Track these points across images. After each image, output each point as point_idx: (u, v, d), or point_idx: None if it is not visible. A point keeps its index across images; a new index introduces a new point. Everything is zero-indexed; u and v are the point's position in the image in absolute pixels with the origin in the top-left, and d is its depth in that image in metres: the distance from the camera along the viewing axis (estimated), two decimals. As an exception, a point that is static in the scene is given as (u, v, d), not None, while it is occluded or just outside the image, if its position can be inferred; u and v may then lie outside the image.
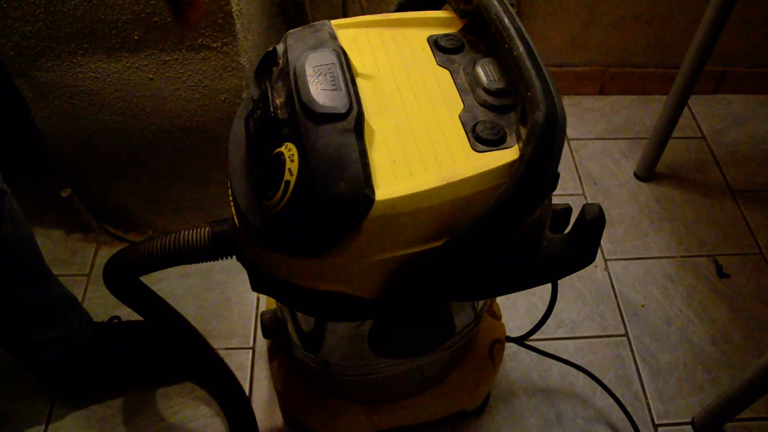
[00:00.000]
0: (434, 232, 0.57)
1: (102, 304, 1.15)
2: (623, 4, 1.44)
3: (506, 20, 0.59)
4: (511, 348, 1.12)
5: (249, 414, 0.93)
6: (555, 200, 0.65)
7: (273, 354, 0.97)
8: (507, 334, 1.01)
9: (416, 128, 0.59)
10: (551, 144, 0.53)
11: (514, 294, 0.82)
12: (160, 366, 1.07)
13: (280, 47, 0.65)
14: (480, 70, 0.64)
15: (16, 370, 1.02)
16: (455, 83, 0.64)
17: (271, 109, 0.58)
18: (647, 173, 1.43)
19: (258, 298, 1.20)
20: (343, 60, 0.61)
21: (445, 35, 0.68)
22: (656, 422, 1.06)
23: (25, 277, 0.88)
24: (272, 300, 0.98)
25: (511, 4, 0.62)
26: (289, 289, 0.62)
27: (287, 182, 0.54)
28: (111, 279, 0.73)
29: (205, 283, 1.22)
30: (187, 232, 0.68)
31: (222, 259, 0.69)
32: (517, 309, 1.20)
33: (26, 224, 0.86)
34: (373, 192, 0.53)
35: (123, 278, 0.72)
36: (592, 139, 1.53)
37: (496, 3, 0.61)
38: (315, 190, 0.52)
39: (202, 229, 0.68)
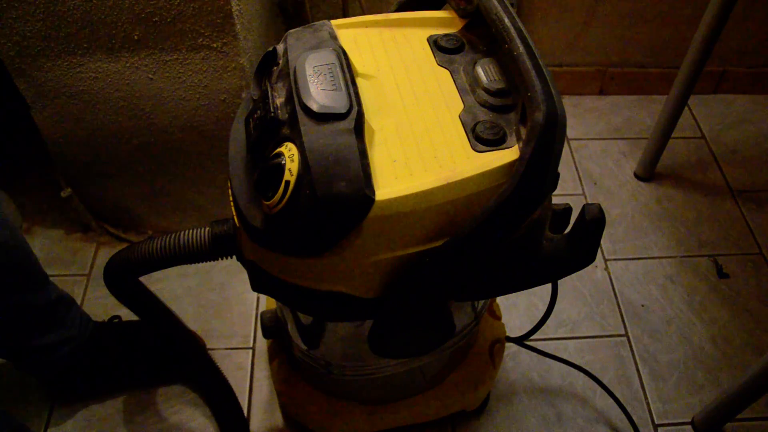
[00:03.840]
0: (434, 232, 0.57)
1: (102, 304, 1.15)
2: (623, 4, 1.44)
3: (506, 20, 0.59)
4: (511, 348, 1.12)
5: (241, 421, 0.94)
6: (555, 200, 0.65)
7: (273, 354, 0.97)
8: (507, 334, 1.01)
9: (416, 128, 0.59)
10: (551, 144, 0.53)
11: (514, 294, 0.82)
12: (160, 366, 1.07)
13: (280, 47, 0.65)
14: (480, 70, 0.64)
15: (16, 372, 1.02)
16: (455, 83, 0.64)
17: (271, 109, 0.58)
18: (647, 173, 1.43)
19: (258, 298, 1.20)
20: (343, 60, 0.61)
21: (445, 35, 0.68)
22: (656, 422, 1.06)
23: (26, 281, 0.89)
24: (272, 300, 0.98)
25: (511, 4, 0.62)
26: (289, 289, 0.62)
27: (287, 182, 0.54)
28: (111, 279, 0.73)
29: (205, 283, 1.22)
30: (187, 232, 0.68)
31: (222, 259, 0.69)
32: (517, 309, 1.20)
33: (18, 230, 0.86)
34: (373, 192, 0.53)
35: (123, 279, 0.72)
36: (592, 139, 1.53)
37: (496, 3, 0.61)
38: (315, 190, 0.52)
39: (202, 229, 0.68)
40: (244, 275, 0.67)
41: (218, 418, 1.02)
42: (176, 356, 1.06)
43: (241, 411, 0.95)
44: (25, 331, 0.92)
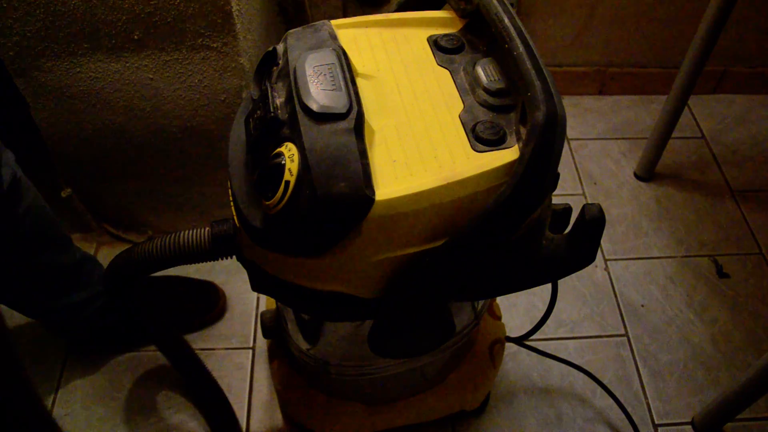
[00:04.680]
0: (434, 233, 0.57)
1: (102, 304, 1.16)
2: (623, 4, 1.44)
3: (506, 20, 0.59)
4: (511, 348, 1.12)
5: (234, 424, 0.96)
6: (555, 200, 0.65)
7: (273, 354, 0.97)
8: (507, 334, 1.01)
9: (416, 128, 0.59)
10: (551, 144, 0.53)
11: (514, 294, 0.82)
12: (188, 317, 1.13)
13: (280, 47, 0.65)
14: (480, 70, 0.64)
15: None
16: (455, 83, 0.64)
17: (271, 109, 0.58)
18: (647, 173, 1.43)
19: (258, 298, 1.20)
20: (343, 60, 0.61)
21: (445, 35, 0.68)
22: (656, 422, 1.06)
23: (51, 242, 0.94)
24: (272, 300, 0.98)
25: (511, 4, 0.62)
26: (289, 289, 0.62)
27: (287, 182, 0.54)
28: (112, 281, 0.73)
29: (205, 283, 1.22)
30: (187, 232, 0.68)
31: (222, 259, 0.69)
32: (517, 309, 1.20)
33: (40, 196, 0.92)
34: (373, 192, 0.53)
35: (125, 280, 0.73)
36: (592, 139, 1.53)
37: (496, 3, 0.61)
38: (315, 190, 0.52)
39: (202, 230, 0.68)
40: (244, 275, 0.67)
41: (212, 424, 1.03)
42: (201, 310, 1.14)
43: (235, 416, 0.95)
44: (54, 290, 0.97)
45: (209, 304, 1.15)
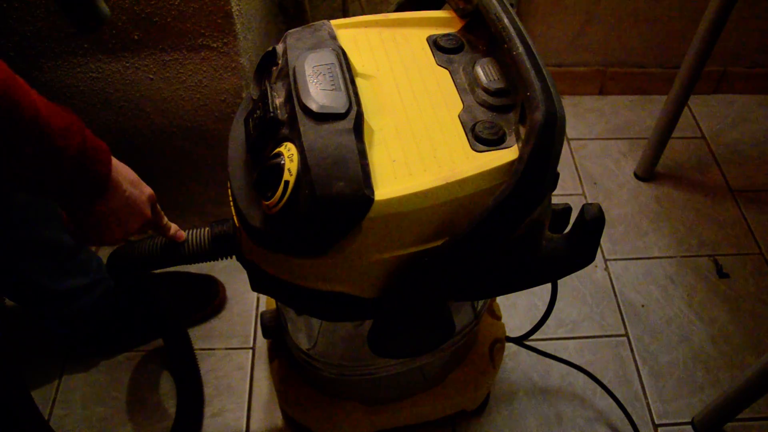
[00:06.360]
0: (434, 232, 0.57)
1: (102, 304, 1.15)
2: (623, 4, 1.44)
3: (506, 20, 0.59)
4: (511, 348, 1.12)
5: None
6: (555, 200, 0.65)
7: (273, 354, 0.97)
8: (507, 334, 1.01)
9: (416, 128, 0.59)
10: (551, 144, 0.53)
11: (514, 294, 0.82)
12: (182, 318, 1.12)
13: (279, 47, 0.65)
14: (479, 70, 0.64)
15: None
16: (455, 83, 0.64)
17: (271, 109, 0.59)
18: (647, 173, 1.43)
19: (258, 298, 1.20)
20: (343, 60, 0.61)
21: (445, 35, 0.68)
22: (656, 422, 1.06)
23: (52, 219, 0.93)
24: (272, 300, 0.98)
25: (511, 4, 0.62)
26: (289, 289, 0.62)
27: (286, 182, 0.54)
28: (113, 271, 0.73)
29: (205, 283, 1.21)
30: (187, 232, 0.68)
31: (222, 259, 0.69)
32: (517, 309, 1.20)
33: None
34: (372, 192, 0.53)
35: (125, 273, 0.73)
36: (592, 139, 1.53)
37: (495, 3, 0.61)
38: (314, 190, 0.52)
39: (202, 229, 0.68)
40: (244, 275, 0.67)
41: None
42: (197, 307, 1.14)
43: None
44: (53, 270, 0.96)
45: (209, 296, 1.15)
